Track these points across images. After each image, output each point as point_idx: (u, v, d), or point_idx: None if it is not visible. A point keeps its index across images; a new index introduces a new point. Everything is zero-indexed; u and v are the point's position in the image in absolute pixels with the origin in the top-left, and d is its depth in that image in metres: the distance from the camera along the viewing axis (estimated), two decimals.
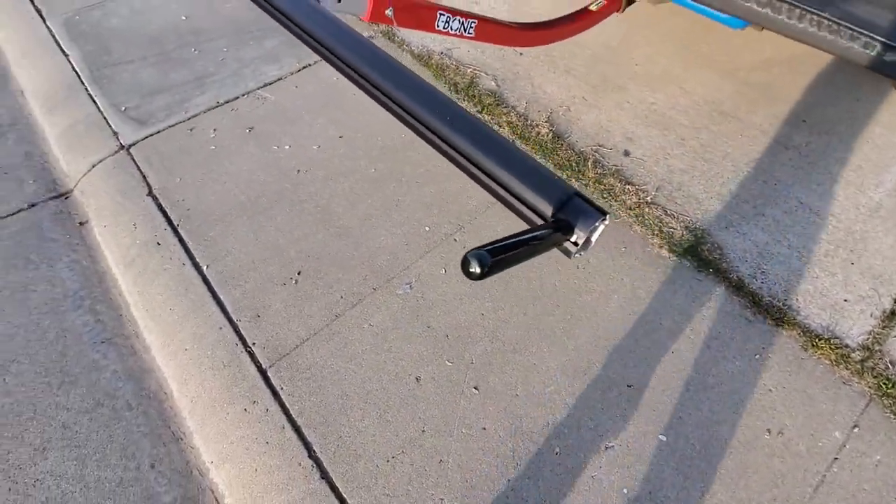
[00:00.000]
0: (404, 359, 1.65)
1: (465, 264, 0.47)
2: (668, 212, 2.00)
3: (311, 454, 1.48)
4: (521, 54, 2.66)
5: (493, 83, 2.53)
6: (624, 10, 1.90)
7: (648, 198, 2.04)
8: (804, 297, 1.77)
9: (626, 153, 2.20)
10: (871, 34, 1.02)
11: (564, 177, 2.12)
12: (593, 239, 0.59)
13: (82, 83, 2.62)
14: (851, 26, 1.03)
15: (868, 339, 1.67)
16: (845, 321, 1.71)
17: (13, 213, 2.16)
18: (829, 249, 1.88)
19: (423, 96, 0.68)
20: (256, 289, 1.82)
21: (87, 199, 2.20)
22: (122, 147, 2.31)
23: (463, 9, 1.27)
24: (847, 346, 1.65)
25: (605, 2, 1.81)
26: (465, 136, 0.64)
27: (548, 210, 0.58)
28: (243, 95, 2.54)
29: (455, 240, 1.95)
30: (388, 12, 1.08)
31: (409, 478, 1.44)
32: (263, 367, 1.64)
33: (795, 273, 1.83)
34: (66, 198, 2.25)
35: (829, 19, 1.06)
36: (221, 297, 1.80)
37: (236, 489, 1.48)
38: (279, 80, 2.61)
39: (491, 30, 1.38)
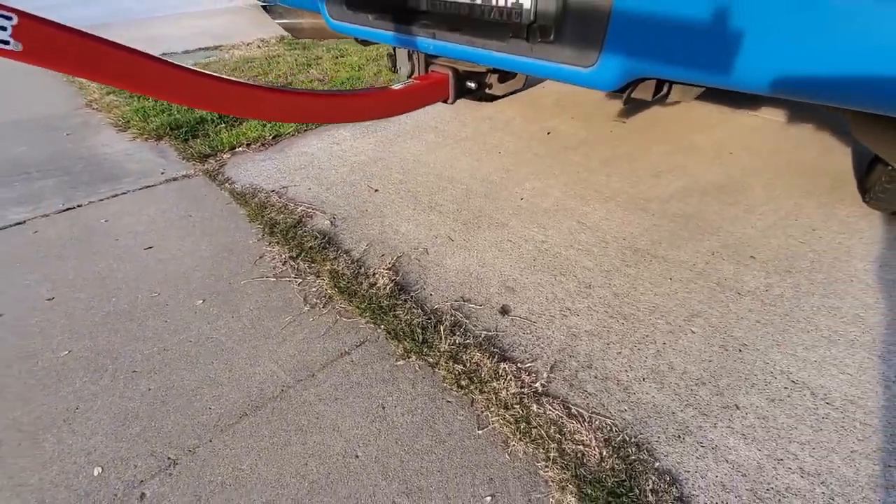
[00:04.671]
0: None
1: None
2: (573, 410, 1.11)
3: None
4: (375, 191, 2.04)
5: (327, 223, 1.82)
6: (454, 101, 1.30)
7: (538, 384, 1.16)
8: None
9: (504, 310, 1.40)
10: None
11: (400, 350, 1.25)
12: None
13: None
14: None
15: None
16: None
17: None
18: (875, 472, 0.99)
19: None
20: None
21: None
22: None
23: None
24: None
25: (418, 80, 1.20)
26: None
27: None
28: None
29: (143, 495, 0.94)
30: None
31: None
32: None
33: None
34: None
35: None
36: None
37: None
38: (19, 223, 1.82)
39: (70, 46, 0.64)
